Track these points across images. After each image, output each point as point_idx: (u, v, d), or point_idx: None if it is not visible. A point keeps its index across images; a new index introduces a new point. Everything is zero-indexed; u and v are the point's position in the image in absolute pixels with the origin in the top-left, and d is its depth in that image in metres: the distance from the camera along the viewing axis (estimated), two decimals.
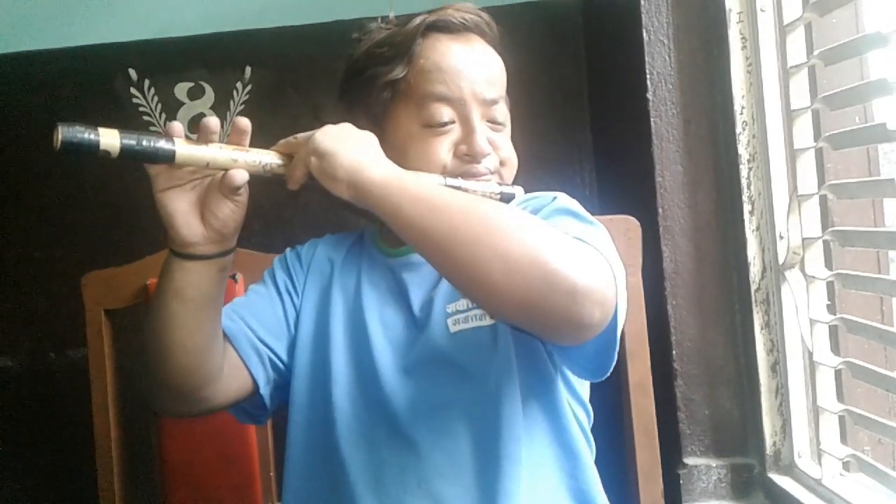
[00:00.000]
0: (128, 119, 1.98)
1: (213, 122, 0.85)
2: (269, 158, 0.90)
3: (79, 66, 1.98)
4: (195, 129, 1.89)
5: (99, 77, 1.99)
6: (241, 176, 0.86)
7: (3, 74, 1.99)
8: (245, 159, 0.87)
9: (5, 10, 1.98)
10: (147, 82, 1.98)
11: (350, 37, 1.10)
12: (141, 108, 1.98)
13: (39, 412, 2.00)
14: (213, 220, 0.88)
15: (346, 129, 0.93)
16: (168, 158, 0.82)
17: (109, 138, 0.78)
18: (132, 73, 1.98)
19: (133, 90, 1.98)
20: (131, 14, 1.98)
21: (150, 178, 0.86)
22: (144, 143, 0.80)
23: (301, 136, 0.92)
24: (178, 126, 0.85)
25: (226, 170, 0.86)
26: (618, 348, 0.92)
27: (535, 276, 0.78)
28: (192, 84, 1.98)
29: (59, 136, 0.75)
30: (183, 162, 0.84)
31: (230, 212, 0.88)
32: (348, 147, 0.89)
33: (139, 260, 1.46)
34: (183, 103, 1.98)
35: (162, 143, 0.82)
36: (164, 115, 1.98)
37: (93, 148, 0.77)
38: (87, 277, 1.46)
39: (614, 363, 0.94)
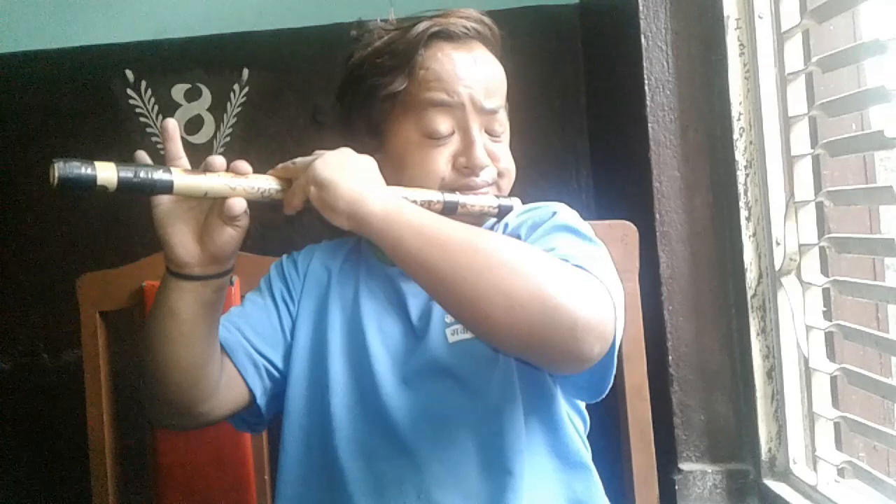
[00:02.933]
0: (124, 120, 1.98)
1: (218, 160, 0.85)
2: (267, 184, 0.89)
3: (75, 66, 1.98)
4: (191, 131, 1.96)
5: (96, 78, 1.98)
6: (239, 205, 0.85)
7: (0, 74, 1.98)
8: (243, 186, 0.86)
9: (2, 11, 1.98)
10: (144, 83, 1.98)
11: (348, 38, 1.09)
12: (137, 110, 1.98)
13: (33, 414, 1.99)
14: (211, 243, 0.87)
15: (346, 156, 0.91)
16: (166, 189, 0.82)
17: (106, 172, 0.77)
18: (129, 74, 1.98)
19: (130, 91, 1.98)
20: (128, 15, 1.98)
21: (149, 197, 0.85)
22: (142, 174, 0.80)
23: (300, 161, 0.90)
24: (172, 123, 0.84)
25: (224, 198, 0.85)
26: (614, 372, 0.92)
27: (536, 311, 0.78)
28: (189, 86, 1.98)
29: (56, 173, 0.75)
30: (181, 192, 0.83)
31: (228, 237, 0.87)
32: (348, 177, 0.87)
33: (135, 262, 1.45)
34: (180, 105, 1.98)
35: (160, 175, 0.81)
36: (160, 117, 1.97)
37: (90, 183, 0.76)
38: (83, 279, 1.45)
39: (610, 386, 0.94)
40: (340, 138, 1.06)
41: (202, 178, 0.84)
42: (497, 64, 1.06)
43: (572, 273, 0.83)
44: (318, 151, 0.92)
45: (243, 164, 0.87)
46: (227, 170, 0.86)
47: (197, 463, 1.45)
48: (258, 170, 0.90)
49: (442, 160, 1.01)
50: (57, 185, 0.75)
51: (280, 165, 0.91)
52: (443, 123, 1.00)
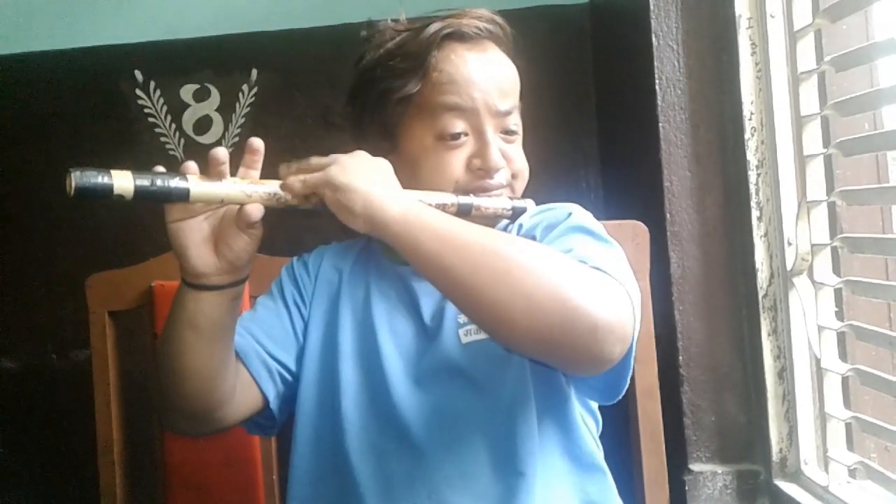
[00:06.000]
0: (133, 121, 1.98)
1: (221, 152, 0.84)
2: (283, 190, 0.88)
3: (84, 66, 1.98)
4: (200, 132, 1.96)
5: (104, 78, 1.99)
6: (257, 212, 0.85)
7: (8, 74, 1.99)
8: (259, 192, 0.86)
9: (11, 11, 1.98)
10: (153, 84, 1.98)
11: (358, 38, 1.09)
12: (146, 110, 1.98)
13: (41, 414, 1.99)
14: (227, 251, 0.87)
15: (361, 159, 0.91)
16: (183, 197, 0.82)
17: (123, 181, 0.77)
18: (138, 74, 1.98)
19: (138, 92, 1.98)
20: (137, 15, 1.98)
21: (163, 208, 0.85)
22: (158, 182, 0.80)
23: (315, 161, 0.90)
24: (192, 165, 0.84)
25: (240, 204, 0.85)
26: (630, 373, 0.92)
27: (557, 314, 0.78)
28: (197, 86, 1.98)
29: (73, 183, 0.75)
30: (197, 199, 0.83)
31: (245, 244, 0.87)
32: (364, 180, 0.87)
33: (144, 261, 1.46)
34: (188, 105, 1.98)
35: (176, 182, 0.81)
36: (169, 117, 1.98)
37: (107, 192, 0.76)
38: (92, 279, 1.45)
39: (626, 388, 0.94)
40: (352, 140, 1.06)
41: (218, 185, 0.84)
42: (510, 64, 1.06)
43: (591, 275, 0.83)
44: (332, 155, 0.91)
45: (257, 141, 0.88)
46: (241, 148, 0.86)
47: (205, 462, 1.45)
48: (265, 171, 0.90)
49: (456, 162, 1.00)
50: (74, 194, 0.75)
51: (295, 164, 0.91)
52: (457, 126, 1.00)
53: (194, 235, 0.86)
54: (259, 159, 0.88)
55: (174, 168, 0.84)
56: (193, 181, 0.82)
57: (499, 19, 1.06)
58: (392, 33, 1.05)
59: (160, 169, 0.82)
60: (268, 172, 0.90)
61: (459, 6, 1.06)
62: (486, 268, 0.81)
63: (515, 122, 1.04)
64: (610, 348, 0.80)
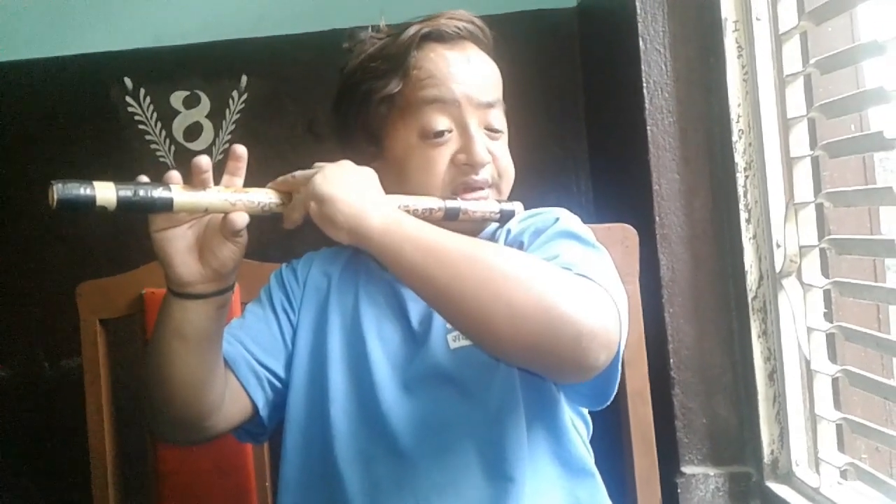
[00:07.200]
0: (123, 128, 1.98)
1: (203, 161, 0.83)
2: (266, 198, 0.88)
3: (74, 74, 1.98)
4: (190, 138, 1.96)
5: (94, 86, 1.99)
6: (242, 220, 0.85)
7: None
8: (243, 201, 0.86)
9: (1, 19, 1.98)
10: (143, 91, 1.98)
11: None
12: (136, 118, 1.98)
13: (33, 422, 1.99)
14: (213, 259, 0.86)
15: (346, 169, 0.91)
16: (167, 207, 0.81)
17: (105, 192, 0.77)
18: (128, 81, 1.98)
19: (129, 99, 1.98)
20: (127, 23, 1.98)
21: (147, 217, 0.85)
22: (141, 193, 0.79)
23: (300, 174, 0.90)
24: (175, 174, 0.84)
25: (225, 213, 0.85)
26: (619, 379, 0.92)
27: (541, 322, 0.78)
28: (187, 93, 1.98)
29: (55, 195, 0.74)
30: (181, 209, 0.83)
31: (230, 252, 0.87)
32: (348, 191, 0.86)
33: (134, 269, 1.45)
34: (178, 112, 1.98)
35: (159, 192, 0.80)
36: (159, 124, 1.98)
37: (89, 203, 0.76)
38: (82, 287, 1.45)
39: (614, 393, 0.94)
40: (338, 148, 1.06)
41: (202, 194, 0.83)
42: (491, 62, 1.06)
43: (576, 282, 0.83)
44: (317, 164, 0.91)
45: (240, 148, 0.87)
46: (227, 154, 0.87)
47: (198, 470, 1.44)
48: (255, 178, 0.90)
49: (441, 160, 1.01)
50: (56, 206, 0.75)
51: (280, 178, 0.91)
52: (440, 122, 1.00)
53: (179, 244, 0.86)
54: (242, 166, 0.88)
55: (163, 175, 0.84)
56: (177, 191, 0.82)
57: (477, 20, 1.06)
58: (373, 40, 1.06)
59: (143, 179, 0.82)
60: (258, 178, 0.90)
61: (443, 10, 1.06)
62: (469, 277, 0.81)
63: (499, 119, 1.05)
64: (595, 355, 0.80)
